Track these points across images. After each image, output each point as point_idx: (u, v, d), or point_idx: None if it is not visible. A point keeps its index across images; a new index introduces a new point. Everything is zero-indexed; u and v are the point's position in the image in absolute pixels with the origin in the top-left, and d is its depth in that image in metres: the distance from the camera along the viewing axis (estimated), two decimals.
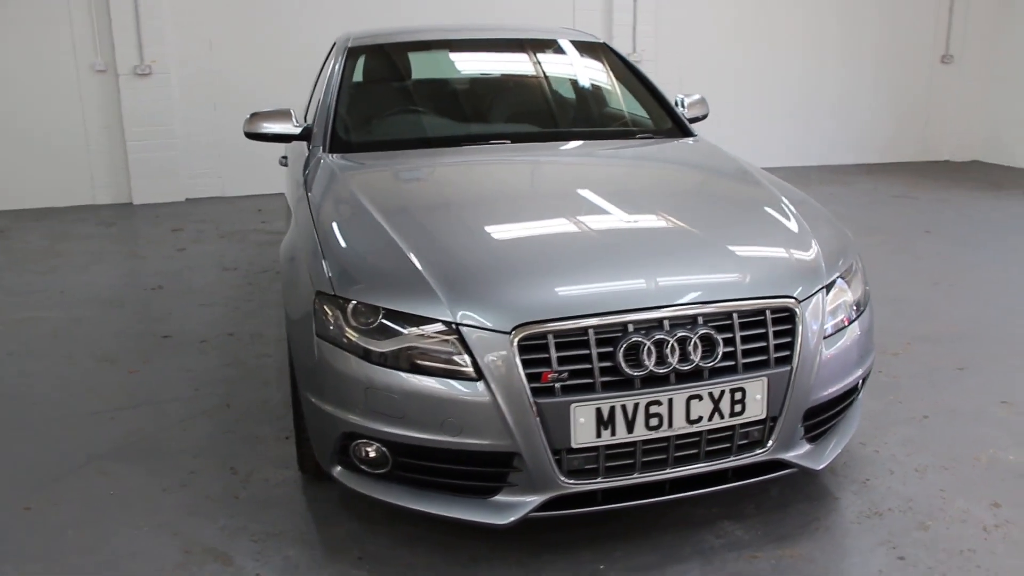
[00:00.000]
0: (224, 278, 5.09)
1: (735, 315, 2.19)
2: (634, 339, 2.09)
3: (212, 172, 7.61)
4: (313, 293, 2.26)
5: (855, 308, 2.48)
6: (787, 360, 2.24)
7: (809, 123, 8.95)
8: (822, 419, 2.41)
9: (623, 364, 2.08)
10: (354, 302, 2.17)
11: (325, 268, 2.27)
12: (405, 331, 2.11)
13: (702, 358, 2.13)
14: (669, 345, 2.10)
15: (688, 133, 3.54)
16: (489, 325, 2.06)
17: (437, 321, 2.09)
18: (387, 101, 3.72)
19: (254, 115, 3.39)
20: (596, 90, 3.81)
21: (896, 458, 2.82)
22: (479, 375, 2.05)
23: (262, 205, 7.27)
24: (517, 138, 3.35)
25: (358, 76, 3.61)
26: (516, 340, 2.04)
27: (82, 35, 7.07)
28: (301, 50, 7.47)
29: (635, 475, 2.17)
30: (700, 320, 2.16)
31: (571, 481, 2.12)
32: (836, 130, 9.07)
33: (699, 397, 2.15)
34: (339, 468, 2.29)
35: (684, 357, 2.12)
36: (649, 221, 2.60)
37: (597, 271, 2.24)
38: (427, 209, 2.66)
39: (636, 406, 2.10)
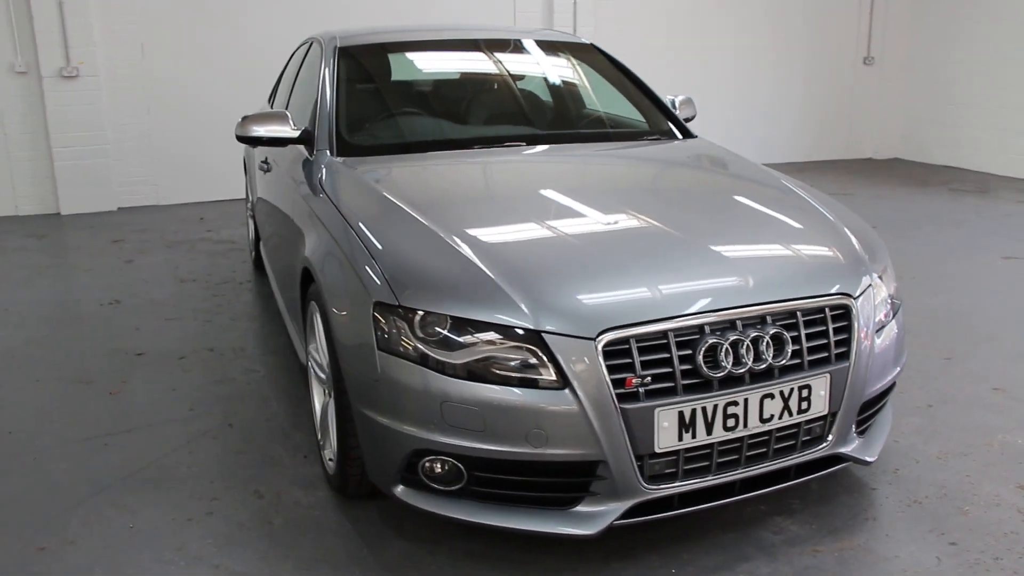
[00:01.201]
0: (185, 290, 4.83)
1: (799, 313, 2.22)
2: (712, 340, 2.08)
3: (146, 180, 7.22)
4: (371, 304, 2.14)
5: (892, 304, 2.54)
6: (845, 356, 2.27)
7: (743, 124, 9.22)
8: (870, 413, 2.47)
9: (703, 366, 2.07)
10: (421, 312, 2.08)
11: (382, 277, 2.17)
12: (482, 340, 2.03)
13: (773, 357, 2.15)
14: (744, 345, 2.10)
15: (688, 133, 3.57)
16: (573, 331, 2.00)
17: (517, 328, 2.02)
18: (389, 102, 3.59)
19: (247, 118, 3.22)
20: (595, 91, 3.79)
21: (916, 447, 2.91)
22: (564, 383, 1.99)
23: (203, 213, 6.95)
24: (532, 140, 3.30)
25: (352, 77, 3.47)
26: (601, 346, 2.00)
27: (0, 34, 6.58)
28: (242, 52, 7.23)
29: (710, 477, 2.16)
30: (768, 319, 2.17)
31: (652, 486, 2.09)
32: (768, 130, 9.38)
33: (771, 396, 2.16)
34: (401, 487, 2.19)
35: (757, 357, 2.13)
36: (704, 222, 2.58)
37: (671, 273, 2.21)
38: (474, 212, 2.56)
39: (715, 407, 2.09)
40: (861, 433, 2.45)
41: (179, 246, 5.86)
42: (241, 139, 3.24)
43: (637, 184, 2.95)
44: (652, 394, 2.04)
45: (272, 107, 4.78)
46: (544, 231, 2.42)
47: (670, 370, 2.06)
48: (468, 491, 2.12)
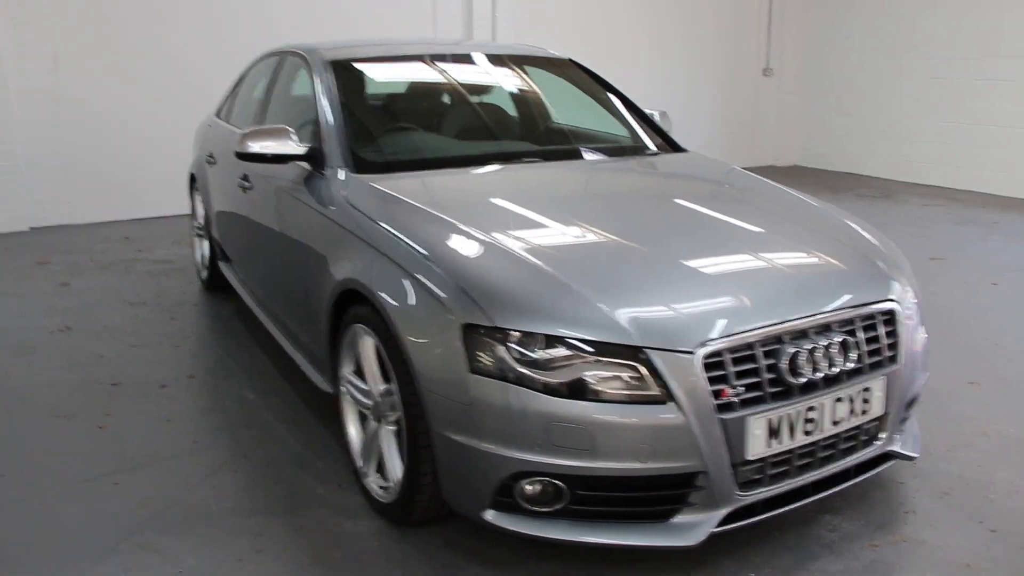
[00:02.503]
0: (139, 314, 4.52)
1: (857, 319, 2.32)
2: (793, 348, 2.15)
3: (60, 198, 6.71)
4: (458, 327, 2.09)
5: (917, 306, 2.70)
6: (895, 358, 2.40)
7: None
8: (909, 411, 2.61)
9: (787, 374, 2.14)
10: (518, 332, 2.04)
11: (468, 298, 2.11)
12: (584, 358, 2.02)
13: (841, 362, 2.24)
14: (819, 352, 2.19)
15: (679, 147, 3.67)
16: (675, 346, 2.03)
17: (621, 345, 2.02)
18: (393, 118, 3.50)
19: (249, 133, 3.06)
20: (588, 106, 3.83)
21: (925, 442, 3.05)
22: (668, 396, 2.01)
23: (127, 232, 6.54)
24: (545, 156, 3.30)
25: (349, 92, 3.36)
26: (701, 358, 2.03)
27: None
28: (163, 65, 6.88)
29: (790, 480, 2.23)
30: (833, 327, 2.27)
31: (743, 493, 2.14)
32: (681, 140, 9.70)
33: (841, 399, 2.25)
34: (491, 512, 2.13)
35: (830, 363, 2.21)
36: (757, 235, 2.64)
37: (751, 286, 2.27)
38: (533, 228, 2.53)
39: (797, 413, 2.16)
40: (902, 431, 2.59)
41: (114, 267, 5.49)
42: (241, 156, 3.08)
43: (675, 198, 2.99)
44: (744, 403, 2.09)
45: (228, 122, 4.56)
46: (614, 246, 2.43)
47: (757, 379, 2.12)
48: (566, 511, 2.09)
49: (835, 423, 2.25)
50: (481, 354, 2.06)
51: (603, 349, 2.02)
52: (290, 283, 3.19)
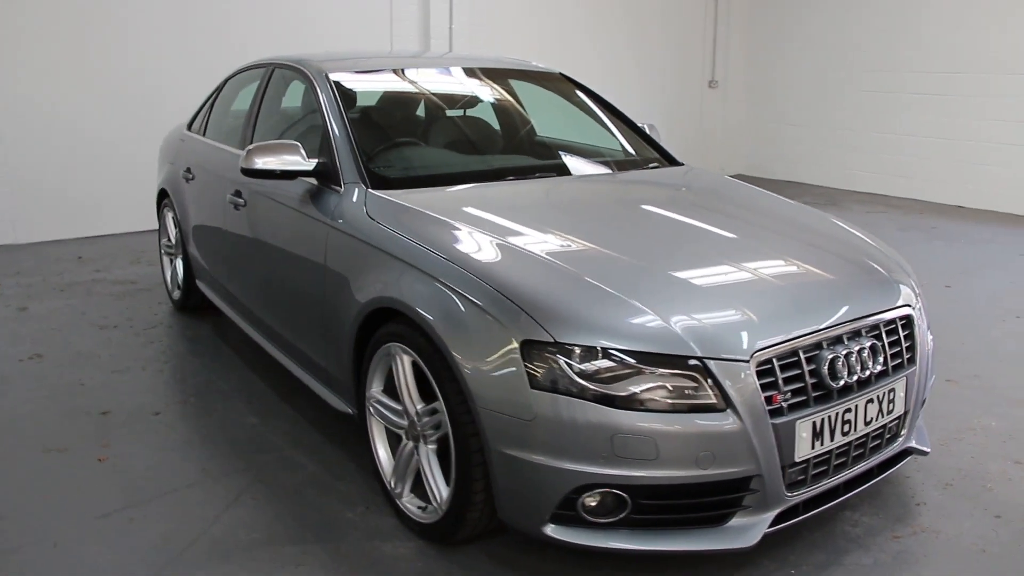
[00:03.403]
0: (112, 338, 4.36)
1: (881, 324, 2.44)
2: (831, 353, 2.24)
3: (2, 216, 6.40)
4: (517, 343, 2.11)
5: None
6: (912, 360, 2.53)
7: None
8: (920, 410, 2.75)
9: (827, 378, 2.23)
10: (580, 347, 2.07)
11: (524, 314, 2.13)
12: (645, 370, 2.07)
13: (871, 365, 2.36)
14: (854, 356, 2.29)
15: (675, 160, 3.77)
16: (731, 355, 2.10)
17: (682, 356, 2.07)
18: (400, 132, 3.48)
19: (254, 149, 3.00)
20: (585, 121, 3.89)
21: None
22: (726, 404, 2.07)
23: (78, 251, 6.28)
24: (556, 170, 3.34)
25: (353, 107, 3.34)
26: (754, 366, 2.11)
27: None
28: (115, 72, 6.63)
29: (828, 480, 2.32)
30: (862, 332, 2.38)
31: (791, 494, 2.22)
32: None
33: (872, 400, 2.36)
34: (552, 526, 2.15)
35: (863, 366, 2.32)
36: (785, 246, 2.72)
37: (790, 295, 2.37)
38: (574, 243, 2.56)
39: (837, 415, 2.26)
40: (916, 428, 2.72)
41: (73, 289, 5.26)
42: (248, 173, 3.02)
43: (699, 212, 3.06)
44: (791, 408, 2.17)
45: (205, 136, 4.45)
46: (658, 260, 2.48)
47: (801, 384, 2.21)
48: (626, 520, 2.13)
49: (867, 423, 2.36)
50: (542, 370, 2.08)
51: (664, 361, 2.07)
52: (299, 303, 3.13)
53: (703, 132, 10.51)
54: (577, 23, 9.26)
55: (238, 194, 3.63)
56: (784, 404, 2.15)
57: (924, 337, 2.62)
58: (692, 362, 2.08)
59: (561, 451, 2.07)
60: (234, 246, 3.76)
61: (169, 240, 4.87)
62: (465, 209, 2.78)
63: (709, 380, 2.08)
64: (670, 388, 2.07)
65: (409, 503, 2.57)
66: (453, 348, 2.22)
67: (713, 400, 2.07)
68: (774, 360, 2.16)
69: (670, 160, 3.76)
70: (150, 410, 3.50)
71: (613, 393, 2.05)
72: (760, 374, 2.12)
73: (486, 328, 2.19)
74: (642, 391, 2.05)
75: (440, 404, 2.31)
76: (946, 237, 6.91)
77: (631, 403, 2.04)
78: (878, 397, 2.38)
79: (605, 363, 2.07)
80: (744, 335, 2.15)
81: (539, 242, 2.51)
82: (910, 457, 2.68)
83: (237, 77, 4.43)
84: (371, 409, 2.70)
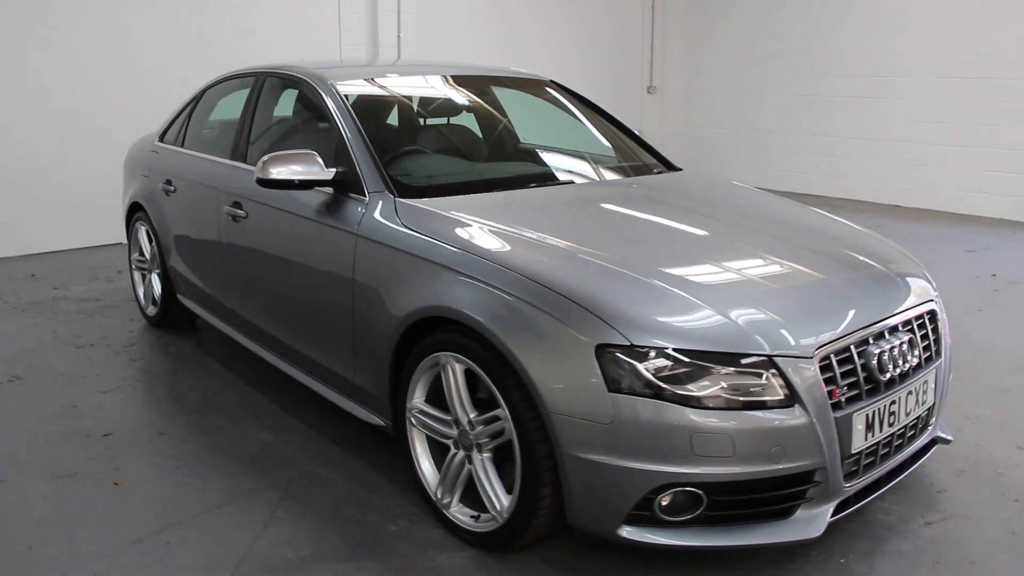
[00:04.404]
0: (92, 357, 4.16)
1: (913, 320, 2.56)
2: (878, 348, 2.34)
3: None
4: (592, 348, 2.12)
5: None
6: (939, 352, 2.66)
7: None
8: None
9: (876, 371, 2.32)
10: (655, 349, 2.10)
11: (598, 319, 2.15)
12: (718, 369, 2.11)
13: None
14: (896, 350, 2.39)
15: (673, 166, 3.85)
16: (797, 352, 2.16)
17: (754, 355, 2.13)
18: (408, 140, 3.44)
19: (269, 159, 2.93)
20: (586, 128, 3.94)
21: None
22: (793, 400, 2.14)
23: (29, 269, 5.97)
24: (581, 176, 3.37)
25: (364, 116, 3.28)
26: (817, 362, 2.18)
27: None
28: (51, 91, 6.31)
29: (876, 470, 2.42)
30: (899, 327, 2.49)
31: (847, 484, 2.30)
32: None
33: (911, 392, 2.47)
34: (627, 527, 2.17)
35: (903, 359, 2.43)
36: (821, 246, 2.81)
37: (839, 293, 2.47)
38: (626, 246, 2.58)
39: (884, 407, 2.35)
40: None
41: (36, 308, 5.01)
42: (264, 183, 2.95)
43: (728, 214, 3.12)
44: (847, 401, 2.26)
45: (184, 147, 4.30)
46: (714, 262, 2.54)
47: (855, 379, 2.29)
48: (700, 518, 2.17)
49: (907, 414, 2.47)
50: (618, 373, 2.10)
51: (735, 359, 2.13)
52: (319, 315, 3.06)
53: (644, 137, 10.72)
54: (522, 31, 9.35)
55: (237, 205, 3.53)
56: (842, 398, 2.24)
57: (946, 330, 2.75)
58: (762, 360, 2.14)
59: (641, 452, 2.09)
60: (233, 259, 3.64)
61: (142, 255, 4.68)
62: (503, 216, 2.77)
63: (778, 377, 2.14)
64: (742, 386, 2.12)
65: (459, 513, 2.55)
66: (520, 355, 2.21)
67: (782, 396, 2.13)
68: (832, 356, 2.23)
69: (668, 165, 3.83)
70: (153, 430, 3.36)
71: (689, 393, 2.09)
72: (821, 370, 2.20)
73: (555, 334, 2.19)
74: (716, 390, 2.10)
75: (503, 411, 2.30)
76: (894, 236, 7.21)
77: (707, 402, 2.09)
78: (916, 389, 2.49)
79: (679, 364, 2.11)
80: (808, 332, 2.23)
81: (589, 246, 2.53)
82: (936, 446, 2.81)
83: (217, 87, 4.30)
84: (412, 420, 2.66)
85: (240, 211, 3.51)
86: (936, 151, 8.35)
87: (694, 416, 2.07)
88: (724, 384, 2.11)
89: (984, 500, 2.84)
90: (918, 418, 2.57)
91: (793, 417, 2.13)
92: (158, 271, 4.48)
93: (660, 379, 2.09)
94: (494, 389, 2.32)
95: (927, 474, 3.00)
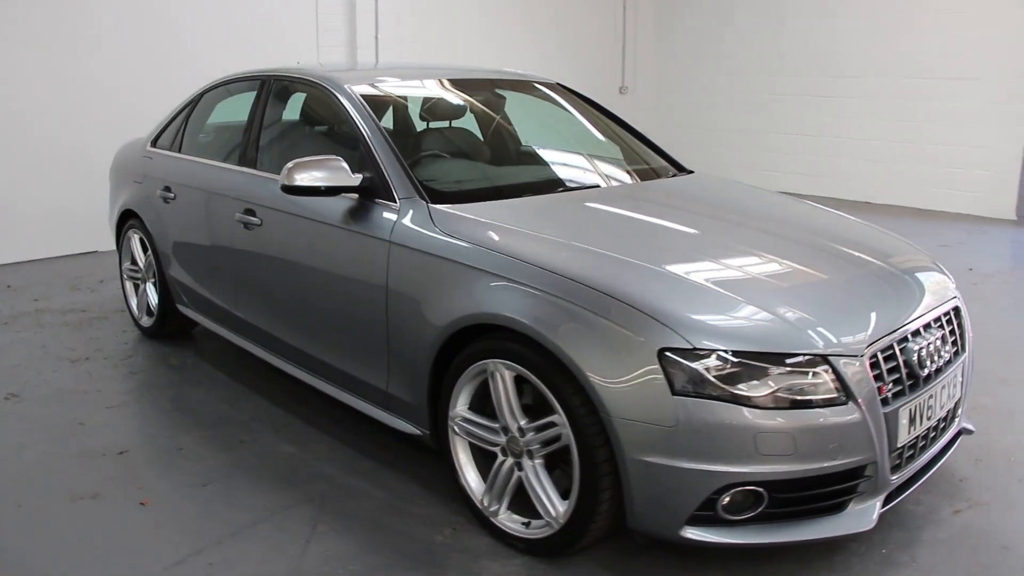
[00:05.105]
0: (90, 371, 4.04)
1: (942, 317, 2.64)
2: (917, 345, 2.41)
3: None
4: (654, 352, 2.14)
5: None
6: (964, 347, 2.75)
7: None
8: None
9: (917, 367, 2.39)
10: (716, 351, 2.13)
11: (658, 322, 2.17)
12: (776, 369, 2.15)
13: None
14: (932, 346, 2.47)
15: (684, 168, 3.90)
16: (849, 351, 2.22)
17: (812, 355, 2.17)
18: (432, 145, 3.40)
19: (295, 166, 2.89)
20: (596, 131, 3.96)
21: None
22: (847, 398, 2.19)
23: (5, 279, 5.77)
24: (606, 180, 3.39)
25: (384, 120, 3.27)
26: (867, 359, 2.24)
27: None
28: (16, 100, 6.10)
29: (915, 463, 2.49)
30: (932, 324, 2.56)
31: (894, 477, 2.36)
32: None
33: (944, 386, 2.55)
34: (690, 528, 2.20)
35: (938, 354, 2.50)
36: (856, 248, 2.86)
37: (879, 292, 2.55)
38: (670, 250, 2.61)
39: (923, 401, 2.43)
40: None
41: (20, 321, 4.84)
42: (289, 190, 2.90)
43: (757, 217, 3.17)
44: (893, 397, 2.32)
45: (180, 152, 4.21)
46: (761, 264, 2.58)
47: (898, 375, 2.36)
48: (760, 516, 2.21)
49: (941, 407, 2.55)
50: (681, 376, 2.13)
51: (792, 359, 2.17)
52: (348, 324, 3.01)
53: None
54: (498, 35, 9.36)
55: (250, 212, 3.46)
56: (889, 394, 2.30)
57: (968, 325, 2.84)
58: (817, 359, 2.19)
59: (705, 454, 2.12)
60: (245, 268, 3.57)
61: (134, 264, 4.56)
62: (539, 220, 2.77)
63: (833, 375, 2.19)
64: (797, 384, 2.16)
65: (507, 520, 2.55)
66: (579, 361, 2.22)
67: (836, 394, 2.18)
68: (878, 353, 2.30)
69: (679, 167, 3.88)
70: (170, 446, 3.28)
71: (751, 394, 2.12)
72: (870, 367, 2.26)
73: (615, 339, 2.21)
74: (776, 389, 2.14)
75: (560, 417, 2.31)
76: None
77: (767, 402, 2.13)
78: (949, 383, 2.57)
79: (737, 365, 2.14)
80: (855, 331, 2.29)
81: (631, 251, 2.55)
82: (961, 438, 2.90)
83: (215, 91, 4.21)
84: (455, 429, 2.65)
85: (254, 218, 3.44)
86: (900, 148, 8.58)
87: (756, 416, 2.11)
88: (781, 383, 2.15)
89: (1004, 487, 2.94)
90: (949, 412, 2.65)
91: (848, 414, 2.18)
92: (154, 281, 4.37)
93: (722, 380, 2.12)
94: (550, 395, 2.32)
95: (947, 464, 3.09)
